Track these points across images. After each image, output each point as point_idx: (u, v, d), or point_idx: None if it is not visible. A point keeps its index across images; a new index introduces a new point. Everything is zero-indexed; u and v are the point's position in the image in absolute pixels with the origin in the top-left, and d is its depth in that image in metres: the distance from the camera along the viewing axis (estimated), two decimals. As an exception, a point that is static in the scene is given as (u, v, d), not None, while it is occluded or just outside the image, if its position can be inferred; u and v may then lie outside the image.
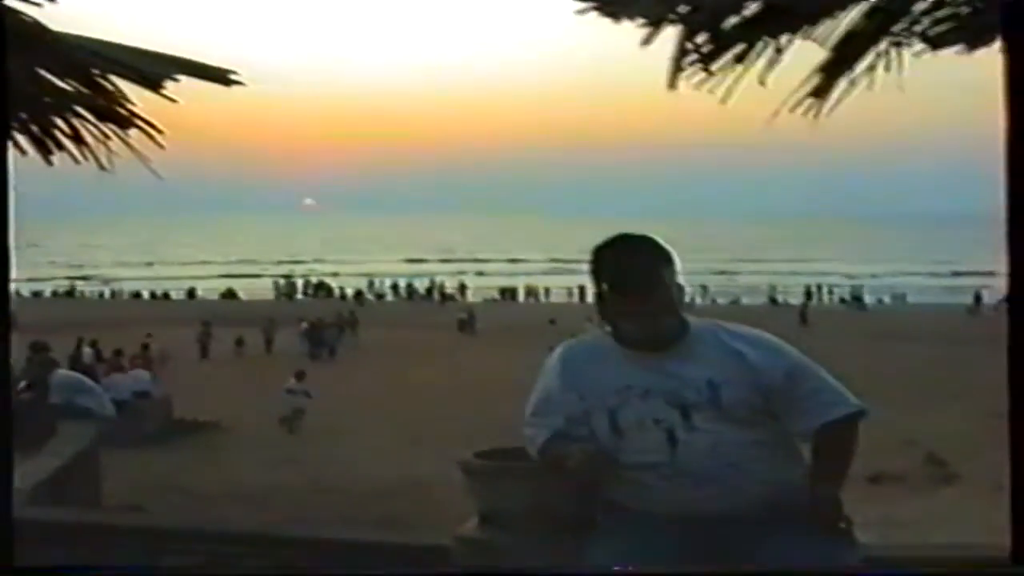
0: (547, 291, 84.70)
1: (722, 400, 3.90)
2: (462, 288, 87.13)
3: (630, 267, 3.92)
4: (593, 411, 4.01)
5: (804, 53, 4.55)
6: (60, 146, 4.85)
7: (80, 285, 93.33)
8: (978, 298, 64.25)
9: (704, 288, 76.49)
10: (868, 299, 79.01)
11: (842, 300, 78.48)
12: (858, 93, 4.57)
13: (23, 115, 4.75)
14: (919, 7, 4.38)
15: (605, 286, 3.96)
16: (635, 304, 3.91)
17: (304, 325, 49.04)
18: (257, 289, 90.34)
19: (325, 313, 52.89)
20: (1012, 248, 2.40)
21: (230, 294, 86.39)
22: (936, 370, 34.88)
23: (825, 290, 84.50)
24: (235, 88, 4.73)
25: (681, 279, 4.01)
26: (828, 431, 3.97)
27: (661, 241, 4.00)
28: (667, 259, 3.96)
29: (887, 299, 80.00)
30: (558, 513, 5.91)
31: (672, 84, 4.46)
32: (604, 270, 3.97)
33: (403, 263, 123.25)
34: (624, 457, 3.96)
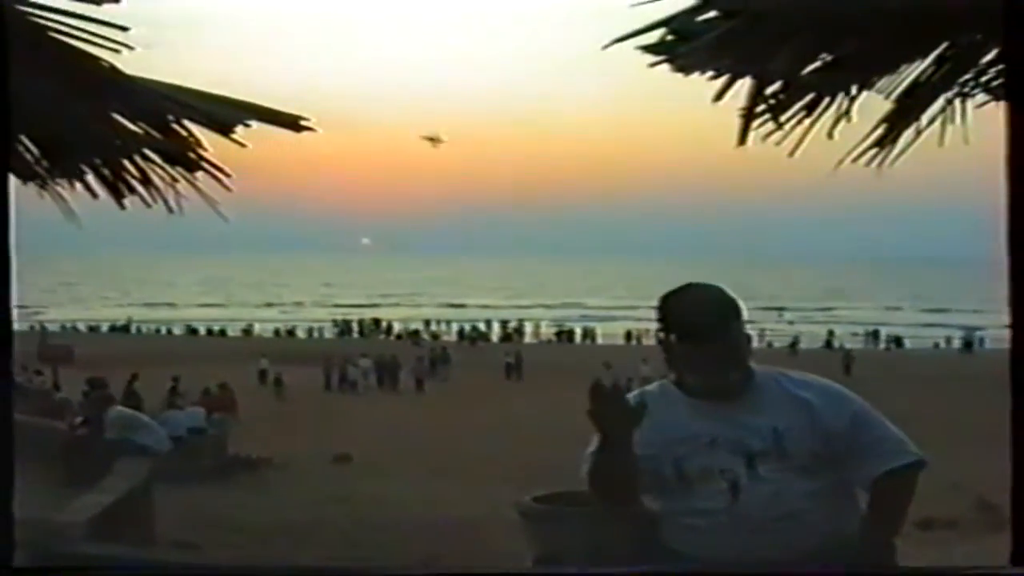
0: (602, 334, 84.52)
1: (787, 448, 3.89)
2: (516, 331, 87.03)
3: (698, 317, 3.91)
4: (659, 459, 3.99)
5: (864, 103, 4.57)
6: (131, 190, 4.91)
7: (137, 320, 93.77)
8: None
9: (761, 333, 75.66)
10: (927, 344, 78.35)
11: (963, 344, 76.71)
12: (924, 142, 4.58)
13: (95, 159, 4.82)
14: (986, 58, 4.38)
15: (672, 336, 3.96)
16: (702, 354, 3.92)
17: (365, 362, 49.94)
18: (314, 327, 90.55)
19: (387, 351, 53.86)
20: (1012, 254, 2.40)
21: (288, 332, 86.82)
22: (990, 414, 34.58)
23: (883, 335, 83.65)
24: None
25: (748, 329, 4.02)
26: (888, 479, 3.95)
27: (729, 291, 4.00)
28: (735, 309, 3.97)
29: (942, 343, 79.32)
30: (615, 558, 5.89)
31: (743, 140, 4.48)
32: (672, 319, 3.96)
33: (459, 304, 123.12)
34: (685, 504, 3.96)
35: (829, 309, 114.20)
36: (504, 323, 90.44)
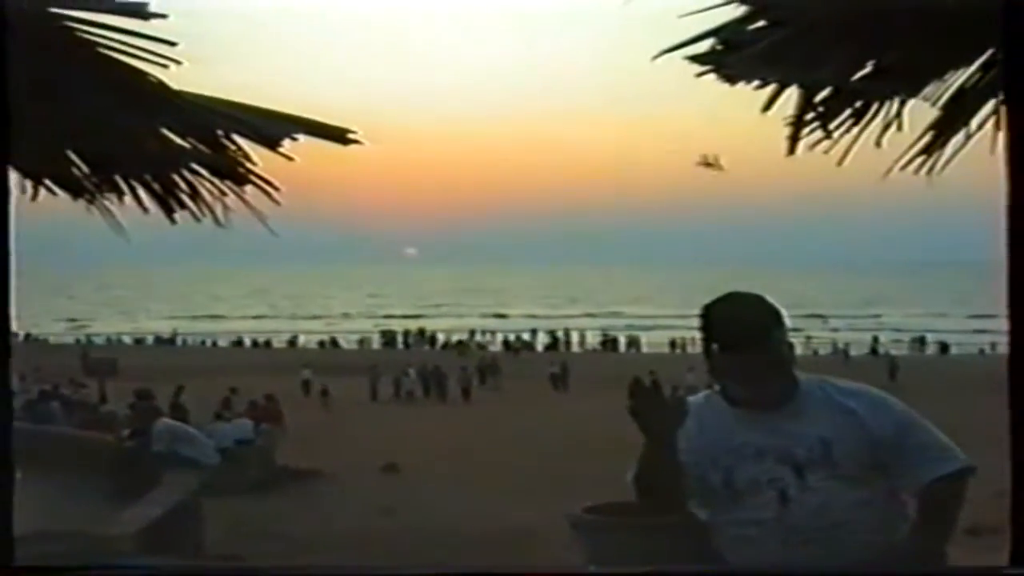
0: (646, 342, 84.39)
1: (834, 457, 3.87)
2: (562, 339, 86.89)
3: (739, 326, 3.90)
4: (706, 468, 3.99)
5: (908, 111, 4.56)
6: (182, 204, 4.94)
7: (182, 332, 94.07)
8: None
9: (808, 338, 75.11)
10: (973, 350, 77.65)
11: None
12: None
13: (145, 173, 4.85)
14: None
15: (715, 346, 3.95)
16: (745, 363, 3.90)
17: (411, 372, 50.22)
18: (361, 337, 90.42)
19: (432, 362, 54.13)
20: (1012, 253, 2.38)
21: (331, 343, 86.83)
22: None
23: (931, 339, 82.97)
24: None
25: (790, 337, 4.00)
26: (937, 486, 3.93)
27: (770, 299, 3.99)
28: (776, 317, 3.95)
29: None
30: (668, 569, 5.86)
31: (792, 150, 4.47)
32: (713, 329, 3.95)
33: (502, 315, 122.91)
34: (735, 514, 3.96)
35: (875, 316, 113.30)
36: (551, 332, 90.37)
